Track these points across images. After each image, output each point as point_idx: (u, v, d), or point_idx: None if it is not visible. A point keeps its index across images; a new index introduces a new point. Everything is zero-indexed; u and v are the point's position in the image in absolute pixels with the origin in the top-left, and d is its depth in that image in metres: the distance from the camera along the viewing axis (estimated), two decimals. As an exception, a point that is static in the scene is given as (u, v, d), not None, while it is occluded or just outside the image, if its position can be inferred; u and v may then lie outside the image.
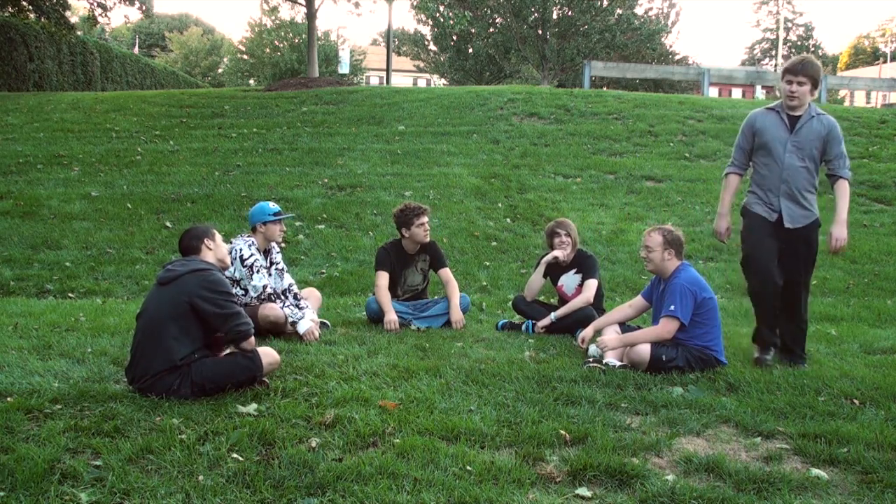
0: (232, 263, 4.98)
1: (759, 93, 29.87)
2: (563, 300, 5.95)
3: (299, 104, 15.60)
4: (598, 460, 3.10)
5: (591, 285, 5.79)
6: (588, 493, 2.89)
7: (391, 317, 5.67)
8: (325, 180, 11.01)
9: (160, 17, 60.38)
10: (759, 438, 3.52)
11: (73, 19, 25.07)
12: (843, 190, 4.86)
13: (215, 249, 4.13)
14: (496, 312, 6.75)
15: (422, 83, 49.69)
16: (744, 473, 3.07)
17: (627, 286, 8.06)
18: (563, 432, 3.40)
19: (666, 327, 4.58)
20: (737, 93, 41.65)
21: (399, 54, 41.50)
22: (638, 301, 5.04)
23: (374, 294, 5.96)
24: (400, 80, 44.74)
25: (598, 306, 5.80)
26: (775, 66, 59.50)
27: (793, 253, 4.84)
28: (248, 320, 3.93)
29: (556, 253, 5.84)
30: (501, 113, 14.78)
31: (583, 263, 5.92)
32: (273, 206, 5.51)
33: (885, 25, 62.41)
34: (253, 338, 3.93)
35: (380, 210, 9.99)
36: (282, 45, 39.17)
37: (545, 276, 6.05)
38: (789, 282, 4.82)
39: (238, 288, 5.31)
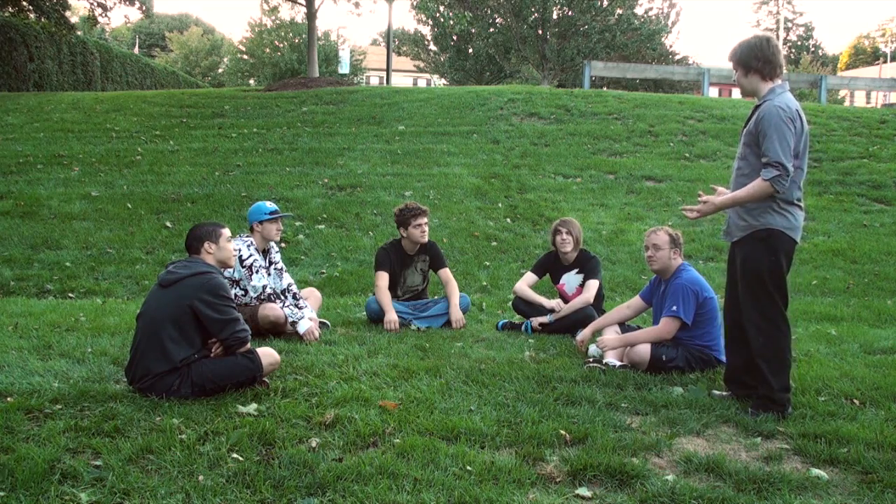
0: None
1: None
2: (564, 299, 5.96)
3: (299, 104, 15.60)
4: (598, 460, 3.10)
5: (592, 286, 5.80)
6: (588, 493, 2.89)
7: (391, 317, 5.67)
8: (325, 180, 11.01)
9: (160, 17, 60.36)
10: (759, 438, 3.52)
11: (73, 19, 25.09)
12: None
13: (216, 252, 4.11)
14: (496, 312, 6.76)
15: (422, 83, 49.67)
16: (744, 473, 3.07)
17: (627, 286, 8.06)
18: (563, 432, 3.40)
19: (667, 327, 4.58)
20: (737, 93, 41.52)
21: (399, 54, 41.49)
22: (636, 302, 5.03)
23: (374, 294, 5.97)
24: (400, 80, 44.73)
25: (598, 307, 5.80)
26: (775, 66, 59.33)
27: (733, 272, 4.05)
28: (247, 327, 3.94)
29: (542, 320, 5.83)
30: (501, 113, 14.78)
31: (585, 264, 5.93)
32: (270, 205, 5.51)
33: (885, 25, 62.40)
34: (249, 344, 3.94)
35: (380, 210, 9.99)
36: (282, 45, 39.16)
37: (547, 273, 6.10)
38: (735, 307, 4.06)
39: (238, 288, 5.30)
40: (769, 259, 3.81)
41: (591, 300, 5.73)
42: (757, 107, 3.93)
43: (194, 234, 4.11)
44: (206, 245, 4.08)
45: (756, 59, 3.92)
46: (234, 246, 5.32)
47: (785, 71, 4.08)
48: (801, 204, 3.90)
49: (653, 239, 4.74)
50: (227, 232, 4.22)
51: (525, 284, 6.06)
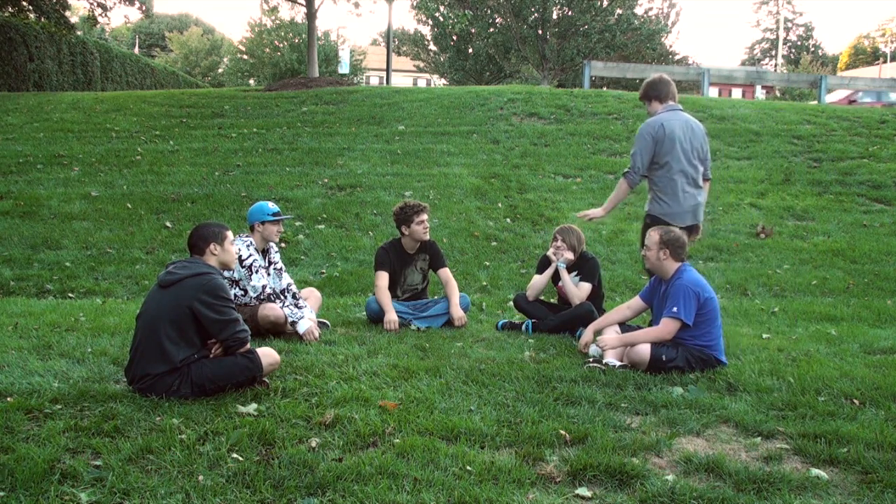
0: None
1: (759, 93, 29.85)
2: (563, 300, 5.96)
3: (299, 104, 15.60)
4: (598, 460, 3.10)
5: (584, 288, 5.82)
6: (588, 493, 2.89)
7: (391, 316, 5.67)
8: (325, 180, 11.01)
9: (160, 17, 60.36)
10: (759, 438, 3.52)
11: (73, 19, 25.08)
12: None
13: (220, 254, 4.11)
14: (496, 312, 6.75)
15: (422, 83, 49.68)
16: (744, 473, 3.07)
17: (627, 286, 8.06)
18: (563, 432, 3.40)
19: (667, 328, 4.58)
20: (737, 93, 41.65)
21: (399, 54, 41.49)
22: (636, 302, 5.04)
23: (374, 294, 5.96)
24: (400, 80, 44.74)
25: (598, 308, 5.80)
26: (775, 65, 59.53)
27: None
28: (246, 328, 3.94)
29: (557, 260, 5.85)
30: (501, 113, 14.78)
31: (583, 266, 5.93)
32: (272, 206, 5.50)
33: (885, 25, 62.38)
34: (248, 344, 3.93)
35: (380, 210, 9.99)
36: (282, 45, 39.16)
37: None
38: None
39: (237, 288, 5.30)
40: (644, 236, 5.06)
41: (583, 299, 5.75)
42: None
43: (199, 234, 4.09)
44: (211, 246, 4.07)
45: (651, 90, 5.49)
46: (234, 248, 5.33)
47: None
48: (680, 194, 5.25)
49: (645, 238, 4.83)
50: (230, 234, 4.22)
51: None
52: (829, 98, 28.25)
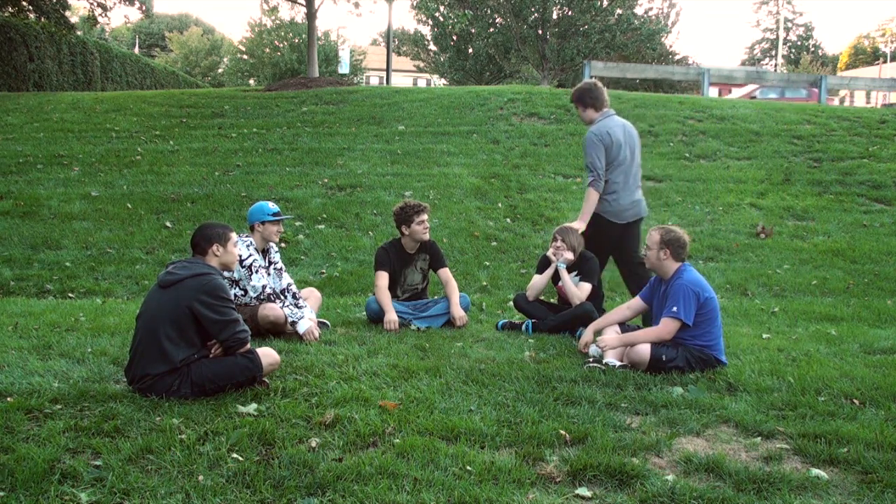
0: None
1: (759, 93, 29.81)
2: (563, 300, 5.96)
3: (299, 104, 15.60)
4: (598, 460, 3.10)
5: (585, 288, 5.82)
6: (588, 493, 2.89)
7: (391, 316, 5.67)
8: (325, 180, 11.01)
9: (160, 17, 60.41)
10: (759, 438, 3.52)
11: (73, 19, 25.09)
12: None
13: (222, 255, 4.10)
14: (496, 312, 6.75)
15: (422, 83, 49.68)
16: (744, 473, 3.07)
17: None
18: (563, 432, 3.41)
19: (667, 328, 4.58)
20: (737, 92, 41.66)
21: (399, 54, 41.50)
22: (636, 302, 5.05)
23: (374, 294, 5.97)
24: (400, 80, 44.74)
25: (598, 308, 5.80)
26: (775, 66, 59.54)
27: None
28: (246, 328, 3.93)
29: (556, 260, 5.84)
30: (501, 113, 14.77)
31: (583, 266, 5.93)
32: (272, 206, 5.50)
33: (885, 25, 62.40)
34: (249, 344, 3.93)
35: (380, 210, 9.99)
36: (282, 45, 39.18)
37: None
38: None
39: (237, 288, 5.30)
40: (589, 231, 5.77)
41: (583, 299, 5.75)
42: None
43: (204, 234, 4.09)
44: (214, 247, 4.06)
45: (588, 97, 5.80)
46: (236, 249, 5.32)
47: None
48: (622, 193, 5.72)
49: (646, 238, 4.84)
50: (234, 236, 4.21)
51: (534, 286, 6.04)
52: (737, 93, 28.39)
